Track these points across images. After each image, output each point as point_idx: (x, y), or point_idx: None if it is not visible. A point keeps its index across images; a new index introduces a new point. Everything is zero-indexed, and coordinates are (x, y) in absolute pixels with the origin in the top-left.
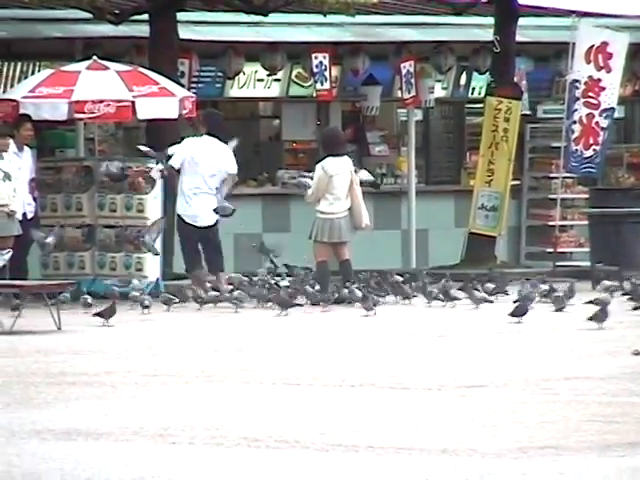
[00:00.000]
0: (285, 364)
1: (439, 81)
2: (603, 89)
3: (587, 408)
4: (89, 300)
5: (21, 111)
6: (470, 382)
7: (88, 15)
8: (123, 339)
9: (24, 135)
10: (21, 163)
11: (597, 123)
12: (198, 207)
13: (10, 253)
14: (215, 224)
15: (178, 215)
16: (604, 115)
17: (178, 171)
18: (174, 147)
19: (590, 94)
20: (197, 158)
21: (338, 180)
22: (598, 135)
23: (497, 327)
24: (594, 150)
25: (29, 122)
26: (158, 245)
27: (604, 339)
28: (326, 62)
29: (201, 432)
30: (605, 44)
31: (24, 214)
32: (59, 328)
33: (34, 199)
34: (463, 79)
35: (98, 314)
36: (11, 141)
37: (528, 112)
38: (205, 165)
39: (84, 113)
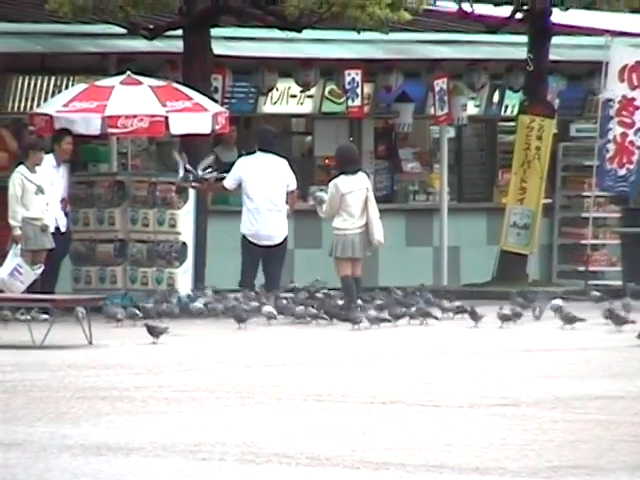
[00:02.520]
0: (316, 380)
1: (472, 99)
2: (637, 108)
3: (619, 428)
4: (119, 315)
5: (55, 125)
6: (501, 400)
7: (122, 30)
8: (154, 354)
9: (65, 149)
10: (57, 178)
11: (631, 142)
12: (263, 226)
13: (42, 268)
14: (282, 243)
15: (243, 234)
16: (639, 134)
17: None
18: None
19: (624, 113)
20: (255, 176)
21: (352, 198)
22: (632, 154)
23: (527, 345)
24: (627, 169)
25: (70, 136)
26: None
27: (636, 358)
28: (358, 79)
29: (232, 448)
30: (639, 63)
31: (57, 227)
32: (90, 342)
33: (66, 214)
34: (496, 97)
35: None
36: (48, 155)
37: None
38: (264, 183)
39: (117, 128)
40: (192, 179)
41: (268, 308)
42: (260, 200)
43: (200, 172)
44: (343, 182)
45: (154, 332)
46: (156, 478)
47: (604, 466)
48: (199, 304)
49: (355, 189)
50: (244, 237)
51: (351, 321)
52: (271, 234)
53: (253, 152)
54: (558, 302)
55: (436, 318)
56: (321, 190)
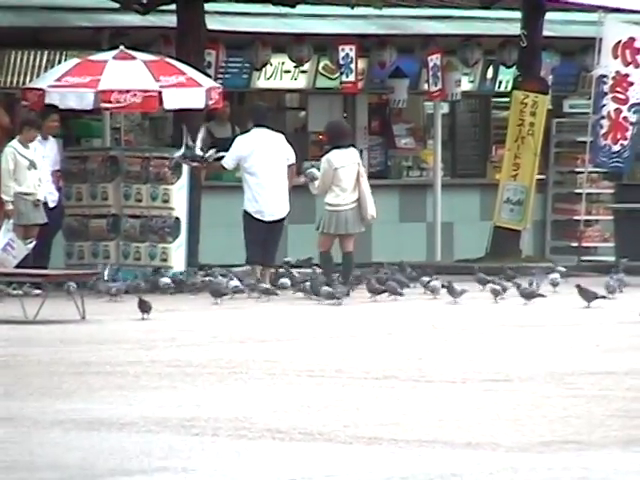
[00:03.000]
0: (309, 356)
1: (466, 74)
2: (631, 84)
3: (611, 403)
4: (113, 290)
5: (47, 100)
6: (494, 376)
7: (115, 5)
8: (147, 329)
9: (50, 126)
10: (45, 152)
11: (625, 118)
12: (267, 201)
13: (33, 243)
14: (282, 219)
15: (245, 211)
16: (633, 110)
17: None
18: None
19: (618, 89)
20: (255, 153)
21: (344, 172)
22: (626, 130)
23: (520, 321)
24: (622, 145)
25: (55, 113)
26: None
27: (629, 334)
28: (352, 54)
29: (225, 423)
30: (632, 39)
31: (45, 203)
32: (83, 318)
33: (59, 189)
34: (490, 73)
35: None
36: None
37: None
38: (265, 158)
39: (110, 103)
40: (190, 158)
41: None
42: (263, 176)
43: (199, 152)
44: (336, 157)
45: (145, 307)
46: (148, 453)
47: (596, 441)
48: (166, 279)
49: (347, 164)
50: (247, 214)
51: (336, 296)
52: (275, 209)
53: (248, 130)
54: (556, 276)
55: (400, 294)
56: (312, 167)
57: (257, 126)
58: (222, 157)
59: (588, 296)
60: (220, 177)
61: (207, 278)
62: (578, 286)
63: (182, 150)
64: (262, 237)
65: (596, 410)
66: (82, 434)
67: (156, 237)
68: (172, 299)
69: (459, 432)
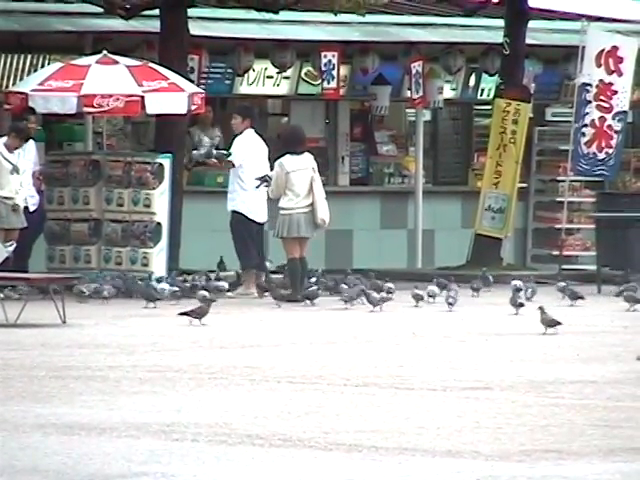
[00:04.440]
0: (290, 362)
1: (448, 82)
2: (615, 93)
3: (591, 412)
4: (105, 293)
5: (30, 104)
6: (474, 384)
7: (99, 9)
8: (128, 334)
9: (28, 128)
10: (24, 154)
11: (609, 126)
12: (261, 202)
13: (14, 245)
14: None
15: (236, 212)
16: (617, 118)
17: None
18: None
19: (602, 98)
20: (256, 154)
21: (296, 177)
22: (611, 138)
23: (500, 329)
24: (607, 153)
25: (34, 116)
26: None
27: (609, 343)
28: (335, 61)
29: (205, 429)
30: (615, 48)
31: (26, 207)
32: (64, 322)
33: (40, 192)
34: (472, 80)
35: (186, 313)
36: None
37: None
38: (260, 160)
39: (93, 107)
40: (215, 156)
41: (203, 292)
42: (259, 176)
43: (214, 151)
44: (288, 161)
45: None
46: (129, 458)
47: (576, 450)
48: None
49: (300, 168)
50: (240, 215)
51: (295, 301)
52: (265, 210)
53: (240, 133)
54: (517, 282)
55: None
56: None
57: (252, 128)
58: (229, 155)
59: (573, 295)
60: (202, 181)
61: (187, 284)
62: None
63: (206, 149)
64: (254, 239)
65: (576, 419)
66: (62, 438)
67: (137, 242)
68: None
69: (439, 440)
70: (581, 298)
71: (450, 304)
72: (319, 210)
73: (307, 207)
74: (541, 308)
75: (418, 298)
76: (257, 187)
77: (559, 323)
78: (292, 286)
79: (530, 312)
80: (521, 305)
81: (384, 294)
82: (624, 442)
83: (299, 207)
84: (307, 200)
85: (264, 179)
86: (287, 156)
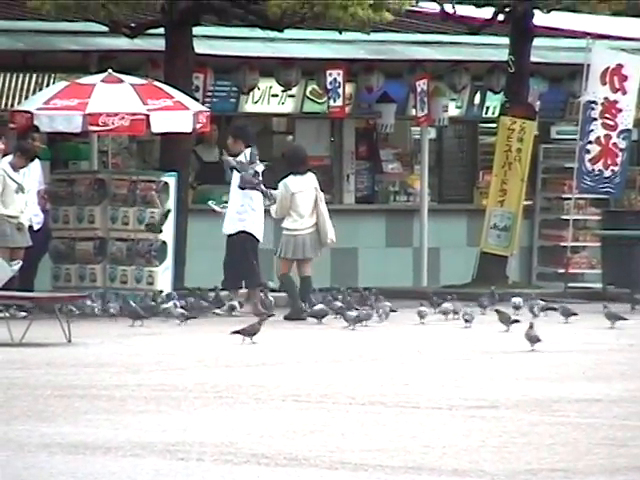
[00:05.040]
0: (295, 381)
1: (453, 100)
2: (620, 111)
3: (597, 431)
4: (112, 310)
5: (35, 123)
6: (480, 402)
7: (104, 28)
8: (133, 353)
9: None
10: (29, 173)
11: (615, 144)
12: (262, 223)
13: (20, 264)
14: None
15: (246, 232)
16: (622, 136)
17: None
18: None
19: (607, 115)
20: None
21: (301, 197)
22: (616, 156)
23: (505, 347)
24: (612, 171)
25: (37, 134)
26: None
27: (615, 361)
28: (340, 79)
29: (210, 448)
30: (620, 66)
31: (30, 226)
32: (69, 341)
33: (45, 211)
34: (477, 98)
35: (238, 332)
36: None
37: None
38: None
39: (98, 126)
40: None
41: (179, 310)
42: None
43: (264, 188)
44: (292, 182)
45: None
46: (134, 477)
47: (582, 469)
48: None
49: (305, 189)
50: (250, 235)
51: (296, 319)
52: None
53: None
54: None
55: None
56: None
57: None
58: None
59: (506, 320)
60: (207, 200)
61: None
62: (497, 310)
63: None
64: (257, 259)
65: (582, 438)
66: (68, 458)
67: (143, 260)
68: (153, 323)
69: (445, 459)
70: (574, 314)
71: (467, 321)
72: (326, 230)
73: (312, 227)
74: (531, 324)
75: (423, 315)
76: (242, 188)
77: (539, 340)
78: (292, 300)
79: (539, 330)
80: (516, 321)
81: (366, 311)
82: (630, 461)
83: (304, 228)
84: (311, 220)
85: (246, 178)
86: (291, 177)
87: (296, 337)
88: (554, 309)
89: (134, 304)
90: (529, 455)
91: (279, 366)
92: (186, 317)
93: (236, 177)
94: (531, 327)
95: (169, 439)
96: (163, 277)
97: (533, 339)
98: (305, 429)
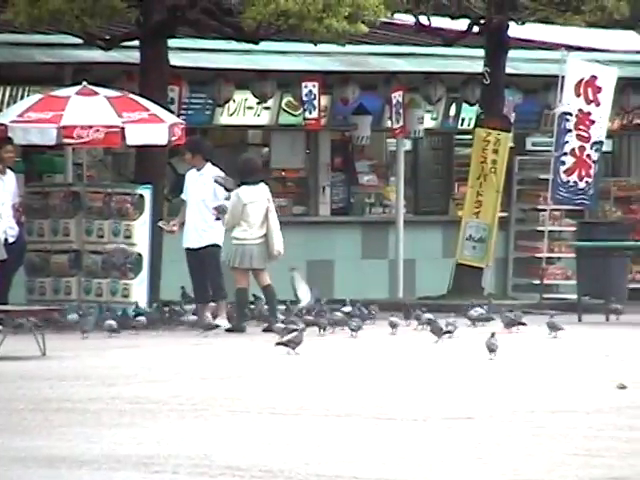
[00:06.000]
0: (271, 393)
1: (429, 112)
2: (593, 122)
3: (572, 442)
4: (114, 326)
5: (9, 135)
6: (456, 414)
7: (78, 40)
8: (108, 365)
9: (5, 157)
10: (4, 186)
11: (588, 156)
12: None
13: None
14: None
15: (214, 245)
16: (594, 148)
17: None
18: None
19: (581, 127)
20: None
21: (252, 208)
22: (590, 167)
23: (481, 359)
24: (586, 182)
25: (11, 145)
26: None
27: (590, 372)
28: (315, 91)
29: (185, 461)
30: (594, 78)
31: (5, 239)
32: (44, 354)
33: (20, 223)
34: (452, 110)
35: (283, 343)
36: None
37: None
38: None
39: (73, 138)
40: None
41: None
42: (215, 206)
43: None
44: (245, 192)
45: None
46: None
47: (557, 479)
48: (73, 315)
49: (257, 199)
50: (216, 247)
51: (238, 331)
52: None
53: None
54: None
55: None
56: (227, 199)
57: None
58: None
59: (438, 330)
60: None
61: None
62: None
63: (227, 194)
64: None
65: (557, 449)
66: (42, 471)
67: (118, 273)
68: (133, 336)
69: (421, 470)
70: (522, 324)
71: (449, 332)
72: (274, 241)
73: (260, 238)
74: (493, 334)
75: (394, 325)
76: (218, 219)
77: (495, 349)
78: (238, 315)
79: (508, 340)
80: (448, 332)
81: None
82: (605, 471)
83: (252, 238)
84: (261, 231)
85: (221, 209)
86: (243, 187)
87: (271, 349)
88: (523, 324)
89: (111, 319)
90: (505, 466)
91: (255, 378)
92: (114, 330)
93: (195, 191)
94: (492, 336)
95: (144, 452)
96: (139, 290)
97: (492, 347)
98: (281, 441)
